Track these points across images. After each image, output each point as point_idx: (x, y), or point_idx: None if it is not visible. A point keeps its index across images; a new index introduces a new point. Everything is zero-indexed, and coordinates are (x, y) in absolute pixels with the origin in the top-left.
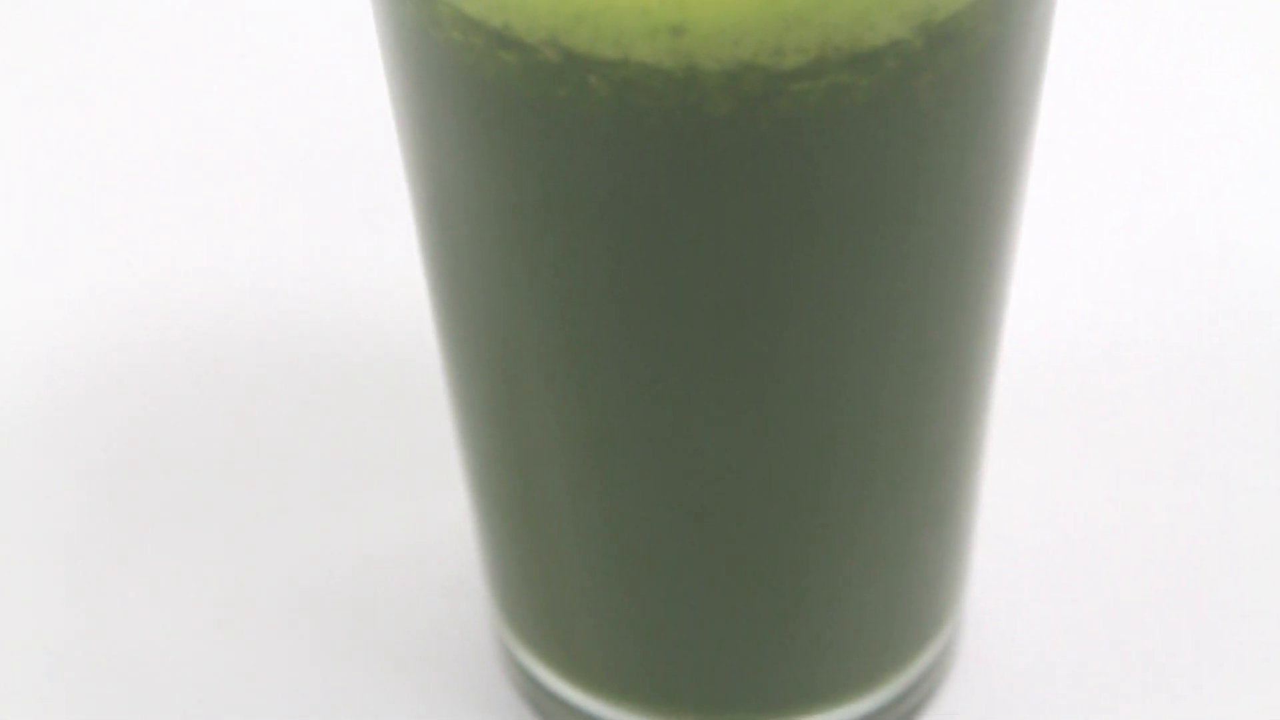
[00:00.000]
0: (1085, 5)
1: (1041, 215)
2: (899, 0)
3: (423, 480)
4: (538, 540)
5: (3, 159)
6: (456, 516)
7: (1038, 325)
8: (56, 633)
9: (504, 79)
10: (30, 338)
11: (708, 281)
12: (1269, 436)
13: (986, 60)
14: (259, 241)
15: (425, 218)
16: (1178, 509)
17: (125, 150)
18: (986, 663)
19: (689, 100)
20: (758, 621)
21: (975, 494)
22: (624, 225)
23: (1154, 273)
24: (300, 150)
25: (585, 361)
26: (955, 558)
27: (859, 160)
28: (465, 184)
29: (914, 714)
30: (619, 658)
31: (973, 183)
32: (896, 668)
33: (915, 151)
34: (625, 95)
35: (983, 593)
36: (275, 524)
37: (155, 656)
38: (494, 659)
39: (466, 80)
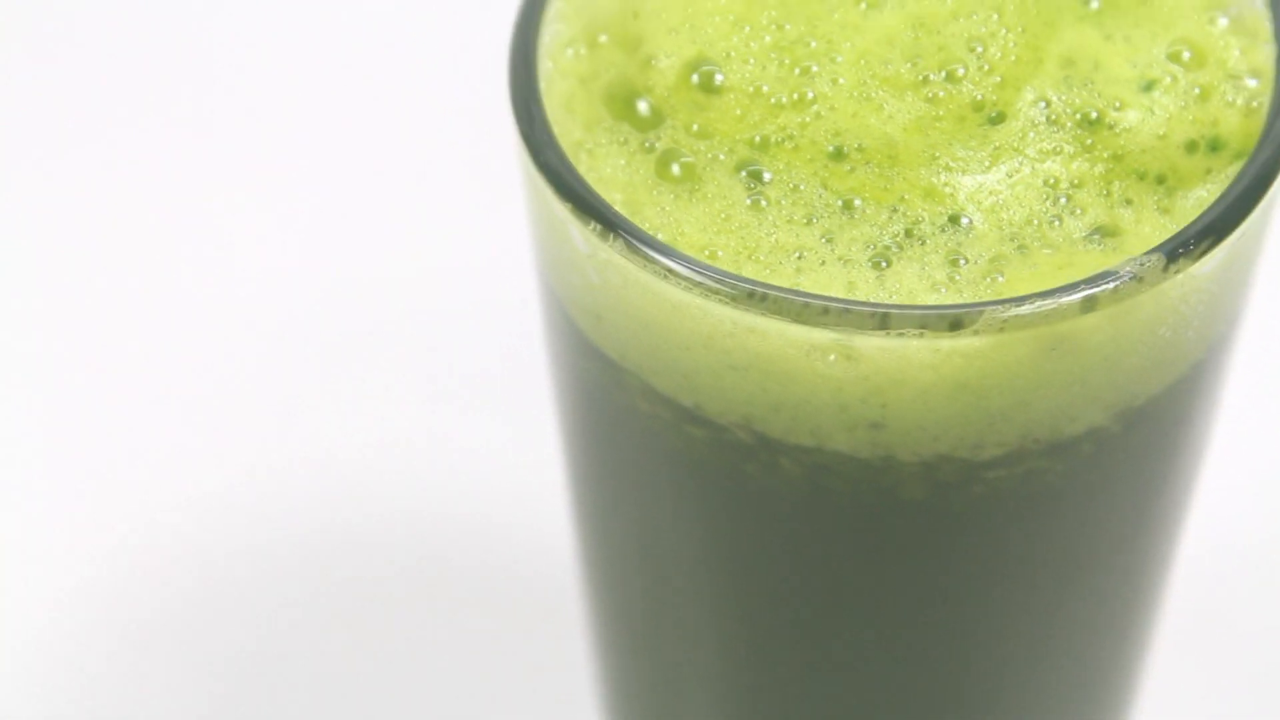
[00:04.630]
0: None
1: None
2: (1101, 393)
3: None
4: None
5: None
6: None
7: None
8: None
9: (690, 449)
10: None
11: (888, 635)
12: None
13: (1176, 430)
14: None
15: (587, 534)
16: None
17: (197, 365)
18: None
19: (883, 484)
20: None
21: None
22: (809, 586)
23: None
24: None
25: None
26: None
27: (1047, 530)
28: (639, 526)
29: None
30: None
31: (1150, 534)
32: None
33: (1101, 517)
34: (817, 477)
35: None
36: None
37: None
38: None
39: (651, 444)
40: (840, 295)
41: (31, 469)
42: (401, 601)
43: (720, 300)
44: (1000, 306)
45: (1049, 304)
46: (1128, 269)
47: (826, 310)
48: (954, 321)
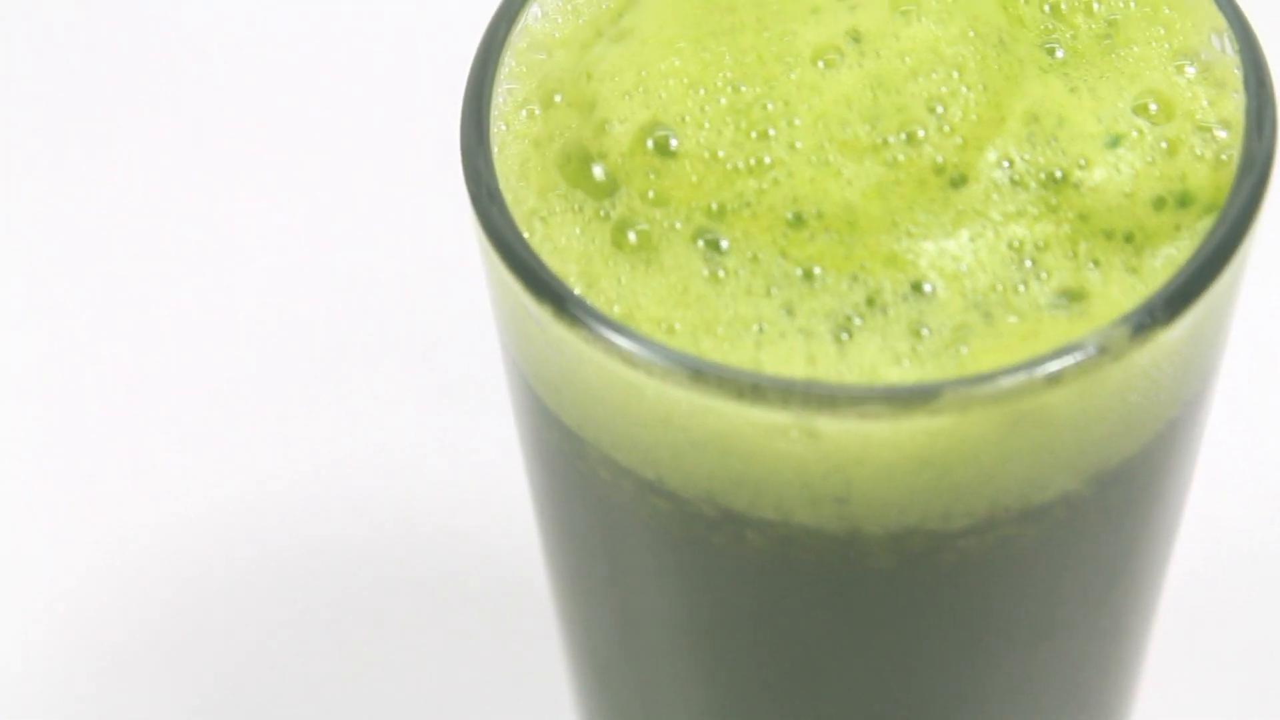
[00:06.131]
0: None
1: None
2: (1071, 461)
3: None
4: None
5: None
6: None
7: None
8: None
9: (655, 519)
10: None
11: (861, 701)
12: None
13: (1153, 488)
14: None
15: (559, 589)
16: None
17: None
18: None
19: (850, 555)
20: None
21: None
22: (779, 652)
23: None
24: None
25: None
26: None
27: (1022, 593)
28: (608, 588)
29: None
30: None
31: (1129, 590)
32: None
33: (1078, 577)
34: (784, 548)
35: None
36: None
37: None
38: None
39: (615, 512)
40: (801, 369)
41: (23, 475)
42: (389, 614)
43: (676, 383)
44: (962, 385)
45: (1012, 381)
46: (1093, 342)
47: (786, 394)
48: (915, 402)
